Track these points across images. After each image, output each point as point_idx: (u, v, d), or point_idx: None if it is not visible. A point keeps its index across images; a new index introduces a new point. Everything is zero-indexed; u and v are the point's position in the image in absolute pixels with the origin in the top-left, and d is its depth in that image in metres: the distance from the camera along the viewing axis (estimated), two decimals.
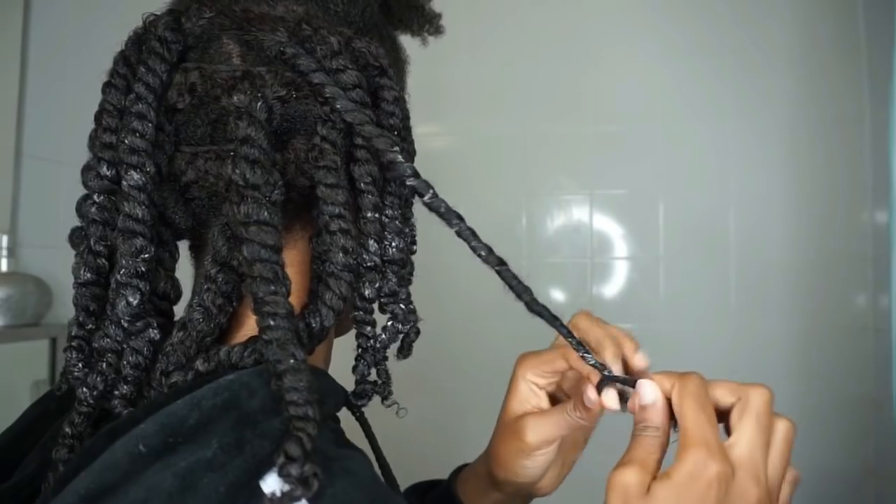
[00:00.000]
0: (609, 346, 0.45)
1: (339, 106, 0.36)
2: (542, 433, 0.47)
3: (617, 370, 0.44)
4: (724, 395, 0.39)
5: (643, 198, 1.51)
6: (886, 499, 1.29)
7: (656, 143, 1.50)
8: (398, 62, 0.47)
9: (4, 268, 1.18)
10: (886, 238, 1.14)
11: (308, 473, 0.27)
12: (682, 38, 1.50)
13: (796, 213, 1.44)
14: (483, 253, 0.36)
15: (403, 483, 0.62)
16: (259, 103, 0.35)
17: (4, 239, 1.19)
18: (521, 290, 0.37)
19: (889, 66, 0.95)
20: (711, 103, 1.48)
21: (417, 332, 0.44)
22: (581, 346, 0.41)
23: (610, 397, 0.42)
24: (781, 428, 0.38)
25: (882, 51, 1.25)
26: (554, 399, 0.51)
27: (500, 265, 0.36)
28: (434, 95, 1.56)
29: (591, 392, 0.43)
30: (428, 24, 0.51)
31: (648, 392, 0.39)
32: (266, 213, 0.33)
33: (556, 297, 1.54)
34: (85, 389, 0.35)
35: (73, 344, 0.37)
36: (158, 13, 0.37)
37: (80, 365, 0.36)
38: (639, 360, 0.45)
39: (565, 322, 0.40)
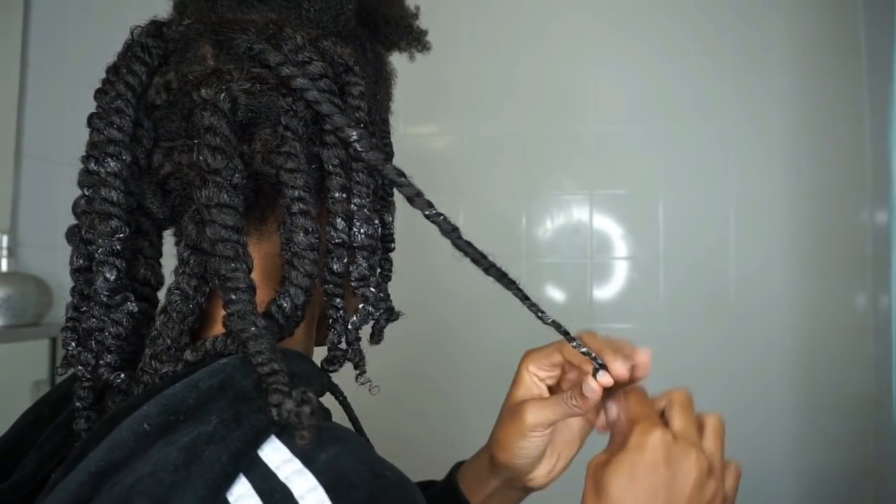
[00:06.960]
0: (607, 350, 0.49)
1: (308, 96, 0.38)
2: (539, 415, 0.52)
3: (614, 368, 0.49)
4: (658, 403, 0.49)
5: (643, 198, 1.51)
6: (886, 499, 1.29)
7: (656, 142, 1.50)
8: (382, 74, 0.50)
9: (4, 268, 1.18)
10: (886, 238, 1.14)
11: (298, 396, 0.29)
12: (682, 37, 1.50)
13: (796, 212, 1.44)
14: (448, 229, 0.38)
15: None
16: (223, 95, 0.37)
17: (4, 239, 1.19)
18: (477, 257, 0.39)
19: (889, 66, 0.95)
20: (711, 103, 1.48)
21: (387, 319, 0.46)
22: (570, 336, 0.47)
23: (604, 379, 0.48)
24: (711, 420, 0.47)
25: (882, 51, 1.25)
26: (554, 393, 0.56)
27: (466, 245, 0.38)
28: (434, 95, 1.56)
29: (591, 381, 0.48)
30: (416, 41, 0.53)
31: (605, 378, 0.48)
32: (226, 196, 0.36)
33: (555, 297, 1.54)
34: (80, 367, 0.39)
35: (68, 325, 0.40)
36: (144, 24, 0.41)
37: (74, 344, 0.40)
38: (641, 354, 0.50)
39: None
